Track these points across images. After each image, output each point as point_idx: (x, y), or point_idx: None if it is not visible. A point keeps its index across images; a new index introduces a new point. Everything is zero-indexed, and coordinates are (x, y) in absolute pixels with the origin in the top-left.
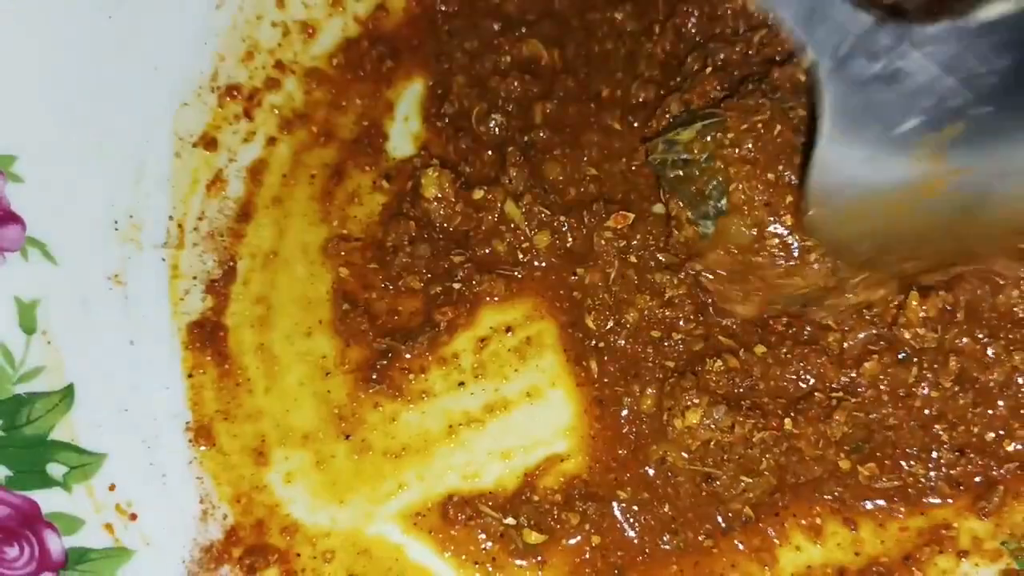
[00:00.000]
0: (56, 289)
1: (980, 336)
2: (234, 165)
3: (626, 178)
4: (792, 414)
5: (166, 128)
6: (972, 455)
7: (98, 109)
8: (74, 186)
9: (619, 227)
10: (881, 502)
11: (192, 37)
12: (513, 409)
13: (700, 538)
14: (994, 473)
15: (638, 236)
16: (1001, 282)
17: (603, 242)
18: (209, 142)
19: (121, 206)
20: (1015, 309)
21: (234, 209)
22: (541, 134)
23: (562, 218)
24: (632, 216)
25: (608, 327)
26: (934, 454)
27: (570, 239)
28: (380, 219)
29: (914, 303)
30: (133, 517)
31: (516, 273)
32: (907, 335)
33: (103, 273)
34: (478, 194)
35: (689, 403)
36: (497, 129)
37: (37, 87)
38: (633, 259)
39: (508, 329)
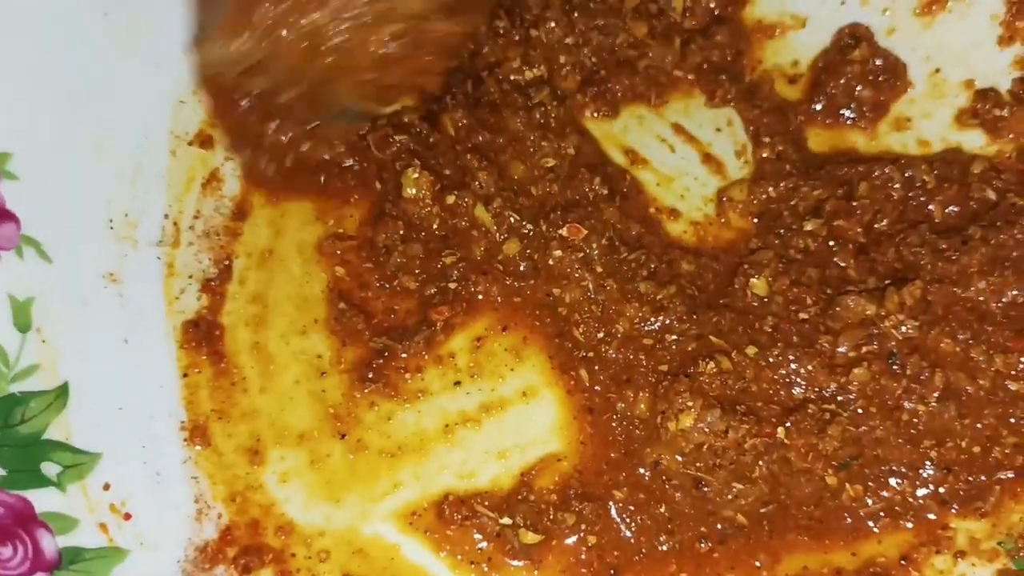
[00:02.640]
0: (51, 287)
1: (962, 337)
2: (230, 163)
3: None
4: (787, 424)
5: (162, 126)
6: (960, 472)
7: (94, 107)
8: (69, 184)
9: (572, 239)
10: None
11: (189, 35)
12: (509, 408)
13: (699, 544)
14: (986, 480)
15: (595, 245)
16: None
17: (552, 261)
18: (205, 140)
19: (117, 204)
20: (980, 300)
21: (230, 208)
22: (480, 137)
23: (529, 225)
24: (585, 231)
25: (598, 338)
26: (922, 472)
27: (536, 254)
28: (368, 218)
29: (894, 296)
30: (127, 517)
31: (510, 281)
32: (888, 324)
33: (98, 271)
34: (450, 199)
35: (683, 406)
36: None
37: (32, 84)
38: (599, 268)
39: (504, 328)
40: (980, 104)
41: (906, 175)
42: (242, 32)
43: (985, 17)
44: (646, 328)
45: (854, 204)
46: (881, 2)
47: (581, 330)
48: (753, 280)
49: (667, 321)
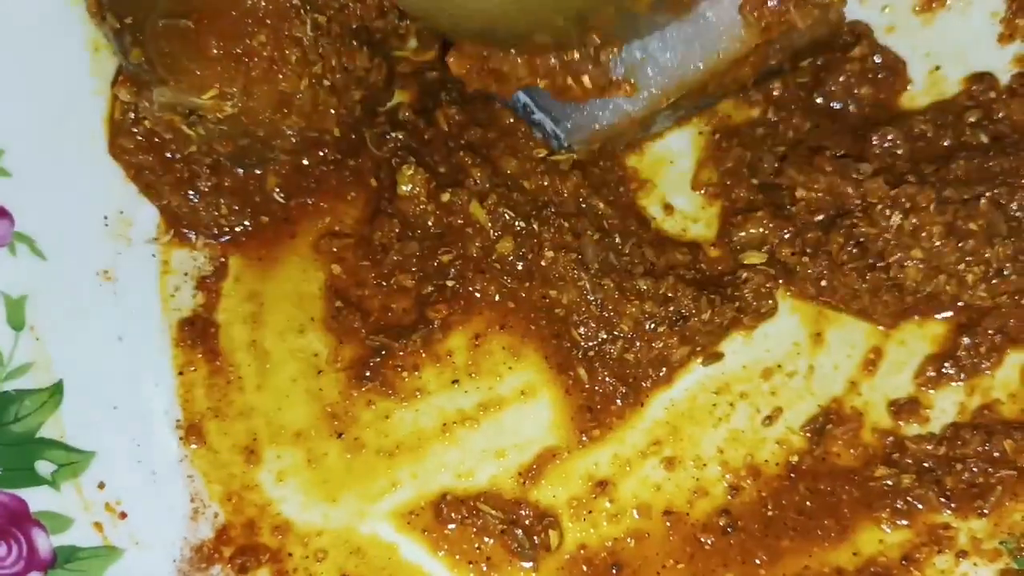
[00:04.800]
0: (45, 285)
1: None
2: None
3: None
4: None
5: None
6: (963, 467)
7: (87, 103)
8: (63, 180)
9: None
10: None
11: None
12: (507, 407)
13: (701, 539)
14: (986, 480)
15: (590, 248)
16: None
17: (544, 263)
18: None
19: (111, 201)
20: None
21: None
22: (473, 132)
23: (521, 224)
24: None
25: (600, 339)
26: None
27: (529, 254)
28: (365, 216)
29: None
30: (123, 516)
31: (506, 280)
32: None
33: (93, 269)
34: (445, 196)
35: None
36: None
37: (26, 80)
38: (596, 266)
39: (502, 326)
40: (976, 86)
41: (904, 130)
42: (216, 86)
43: (986, 15)
44: (657, 322)
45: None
46: (881, 0)
47: (581, 331)
48: (749, 254)
49: (680, 310)
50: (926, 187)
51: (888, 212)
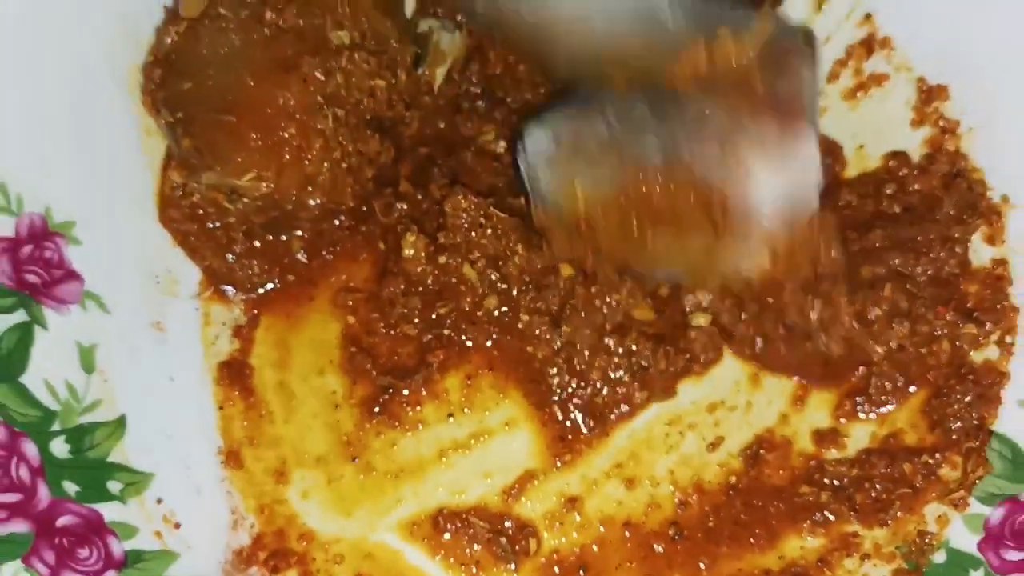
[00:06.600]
0: (109, 335)
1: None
2: None
3: None
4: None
5: None
6: (870, 485)
7: (140, 179)
8: (122, 247)
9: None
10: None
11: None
12: (494, 437)
13: (653, 545)
14: (888, 497)
15: (563, 319)
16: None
17: (520, 325)
18: None
19: (161, 262)
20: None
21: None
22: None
23: (504, 285)
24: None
25: (572, 387)
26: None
27: (509, 313)
28: (374, 274)
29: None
30: (177, 526)
31: (493, 331)
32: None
33: (147, 321)
34: (442, 259)
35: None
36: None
37: (90, 163)
38: (567, 328)
39: (490, 368)
40: (892, 162)
41: (832, 200)
42: (254, 170)
43: (900, 102)
44: (622, 371)
45: None
46: None
47: (555, 380)
48: (696, 316)
49: (642, 361)
50: (839, 283)
51: (812, 301)
